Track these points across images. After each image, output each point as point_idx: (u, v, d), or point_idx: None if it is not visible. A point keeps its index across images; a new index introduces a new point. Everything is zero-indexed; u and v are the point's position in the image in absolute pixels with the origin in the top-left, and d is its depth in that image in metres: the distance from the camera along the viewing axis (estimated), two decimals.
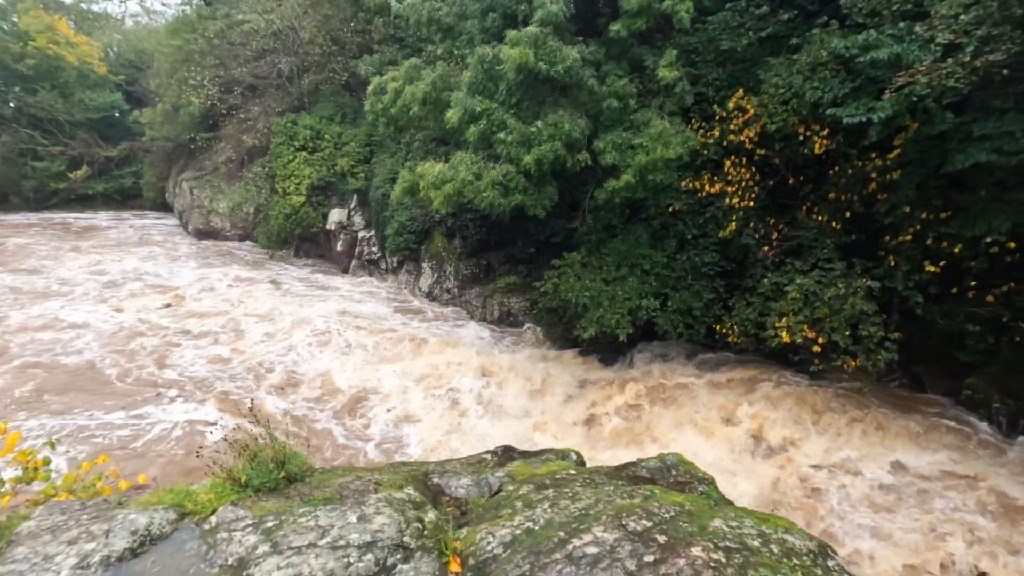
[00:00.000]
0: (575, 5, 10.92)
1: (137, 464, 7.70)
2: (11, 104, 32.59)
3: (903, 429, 8.19)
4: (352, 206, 19.79)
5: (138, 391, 10.37)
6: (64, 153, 32.62)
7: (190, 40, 25.14)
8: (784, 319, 8.75)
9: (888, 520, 6.77)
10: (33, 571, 2.22)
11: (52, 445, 4.85)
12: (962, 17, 6.56)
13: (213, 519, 2.58)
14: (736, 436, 8.69)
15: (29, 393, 10.07)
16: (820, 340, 8.39)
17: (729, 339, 10.03)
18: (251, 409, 3.49)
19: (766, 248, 10.03)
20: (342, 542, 2.31)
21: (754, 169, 10.19)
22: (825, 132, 8.97)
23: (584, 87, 10.02)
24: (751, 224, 10.19)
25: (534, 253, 14.47)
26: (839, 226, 9.36)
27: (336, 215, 20.06)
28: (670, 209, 11.01)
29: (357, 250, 19.63)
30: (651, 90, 10.78)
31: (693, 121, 10.73)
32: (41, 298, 15.35)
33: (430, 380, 11.16)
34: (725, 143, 10.35)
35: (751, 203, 10.03)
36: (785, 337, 8.62)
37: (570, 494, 2.92)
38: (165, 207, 31.36)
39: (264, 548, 2.28)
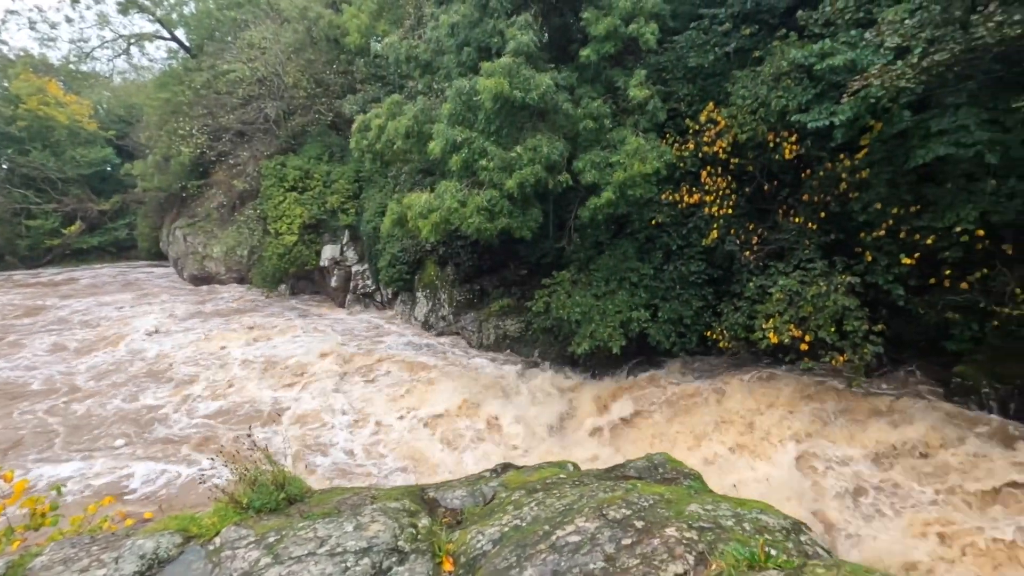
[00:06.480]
0: (548, 34, 11.41)
1: (144, 505, 7.73)
2: (3, 166, 33.37)
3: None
4: (344, 242, 20.08)
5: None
6: (58, 210, 33.28)
7: (178, 92, 25.78)
8: (771, 320, 8.94)
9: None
10: None
11: (58, 490, 4.94)
12: (907, 22, 6.94)
13: (217, 540, 2.71)
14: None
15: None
16: (807, 338, 8.57)
17: (720, 344, 10.20)
18: (248, 436, 3.64)
19: (748, 253, 10.29)
20: (339, 549, 2.44)
21: (730, 178, 10.52)
22: (794, 138, 9.32)
23: (560, 111, 10.39)
24: (732, 231, 10.46)
25: (526, 275, 14.69)
26: (816, 226, 9.64)
27: (329, 251, 20.33)
28: (653, 222, 11.29)
29: (352, 284, 19.83)
30: (625, 109, 11.16)
31: (668, 136, 11.11)
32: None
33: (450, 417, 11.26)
34: (700, 155, 10.71)
35: (730, 210, 10.34)
36: (773, 338, 8.79)
37: (557, 494, 3.07)
38: (160, 256, 31.64)
39: (266, 560, 2.42)
